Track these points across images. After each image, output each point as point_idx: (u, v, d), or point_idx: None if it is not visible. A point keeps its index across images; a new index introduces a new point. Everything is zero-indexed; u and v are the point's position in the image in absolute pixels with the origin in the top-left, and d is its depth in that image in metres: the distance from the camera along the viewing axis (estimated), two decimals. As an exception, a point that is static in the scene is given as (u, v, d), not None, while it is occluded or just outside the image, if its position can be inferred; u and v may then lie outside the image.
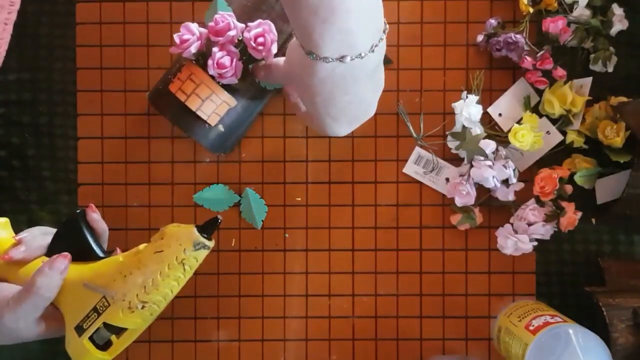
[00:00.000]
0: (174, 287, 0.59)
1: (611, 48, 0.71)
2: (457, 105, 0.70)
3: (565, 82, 0.71)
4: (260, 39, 0.64)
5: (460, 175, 0.72)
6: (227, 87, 0.66)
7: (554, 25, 0.69)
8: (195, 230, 0.59)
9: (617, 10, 0.71)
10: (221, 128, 0.68)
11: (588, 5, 0.70)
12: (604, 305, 0.67)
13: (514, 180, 0.71)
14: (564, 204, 0.70)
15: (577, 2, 0.70)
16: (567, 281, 0.74)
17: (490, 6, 0.74)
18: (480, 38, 0.72)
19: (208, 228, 0.60)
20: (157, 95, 0.68)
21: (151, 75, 0.74)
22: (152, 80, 0.73)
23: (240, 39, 0.65)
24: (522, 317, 0.68)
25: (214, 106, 0.66)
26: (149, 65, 0.74)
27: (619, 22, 0.71)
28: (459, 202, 0.72)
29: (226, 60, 0.64)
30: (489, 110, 0.73)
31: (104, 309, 0.59)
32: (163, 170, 0.74)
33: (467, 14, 0.74)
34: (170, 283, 0.58)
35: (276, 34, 0.65)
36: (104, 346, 0.61)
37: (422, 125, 0.74)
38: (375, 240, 0.74)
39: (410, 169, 0.74)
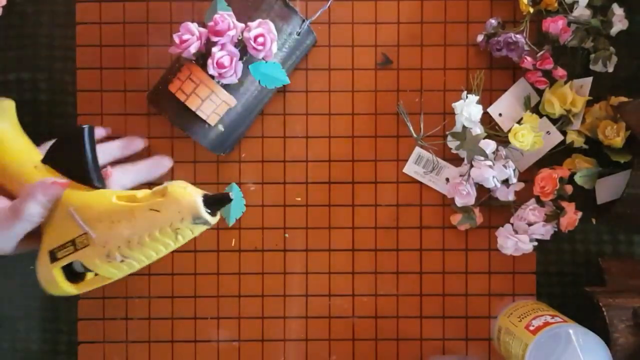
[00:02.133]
0: (159, 251, 0.54)
1: (611, 48, 0.71)
2: (457, 105, 0.70)
3: (565, 82, 0.71)
4: (261, 39, 0.64)
5: (460, 175, 0.72)
6: (227, 87, 0.66)
7: (554, 25, 0.69)
8: (199, 201, 0.54)
9: (617, 10, 0.71)
10: (221, 128, 0.68)
11: (588, 5, 0.70)
12: (604, 305, 0.67)
13: (514, 180, 0.71)
14: (564, 204, 0.70)
15: (577, 2, 0.70)
16: (567, 281, 0.74)
17: (490, 6, 0.74)
18: (480, 38, 0.72)
19: (215, 204, 0.54)
20: (156, 95, 0.68)
21: (151, 75, 0.74)
22: (152, 80, 0.73)
23: (240, 38, 0.65)
24: (522, 317, 0.68)
25: (213, 106, 0.66)
26: (149, 65, 0.74)
27: (619, 22, 0.71)
28: (459, 202, 0.72)
29: (226, 60, 0.64)
30: (489, 110, 0.73)
31: (82, 246, 0.55)
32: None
33: (467, 14, 0.74)
34: (157, 246, 0.54)
35: (276, 33, 0.65)
36: (74, 278, 0.57)
37: (422, 125, 0.74)
38: (375, 240, 0.74)
39: (410, 169, 0.74)
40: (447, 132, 0.72)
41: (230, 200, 0.54)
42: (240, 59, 0.65)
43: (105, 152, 0.68)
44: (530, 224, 0.70)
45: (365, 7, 0.73)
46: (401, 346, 0.74)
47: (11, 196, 0.58)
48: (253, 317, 0.74)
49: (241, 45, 0.65)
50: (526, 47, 0.70)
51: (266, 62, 0.66)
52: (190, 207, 0.53)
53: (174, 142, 0.74)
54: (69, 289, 0.57)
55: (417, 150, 0.74)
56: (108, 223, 0.54)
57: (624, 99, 0.70)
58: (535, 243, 0.71)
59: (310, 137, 0.74)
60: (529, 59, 0.70)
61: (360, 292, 0.74)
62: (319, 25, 0.72)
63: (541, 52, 0.70)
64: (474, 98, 0.70)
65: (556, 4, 0.70)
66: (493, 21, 0.72)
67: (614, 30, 0.71)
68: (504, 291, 0.74)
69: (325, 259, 0.74)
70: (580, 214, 0.70)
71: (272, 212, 0.74)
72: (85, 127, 0.57)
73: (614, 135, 0.69)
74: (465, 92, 0.71)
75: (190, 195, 0.54)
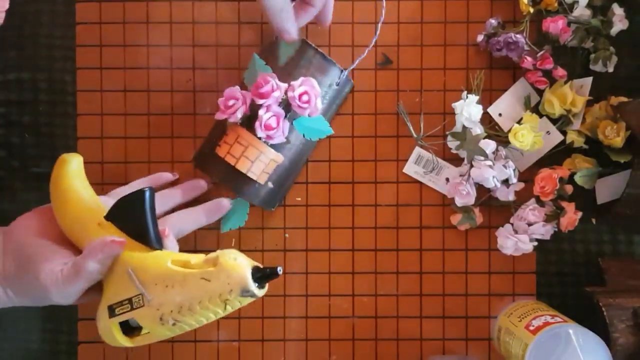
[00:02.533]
0: (209, 317, 0.57)
1: (611, 48, 0.71)
2: (457, 105, 0.70)
3: (565, 82, 0.71)
4: (305, 97, 0.64)
5: (460, 175, 0.72)
6: (273, 144, 0.66)
7: (554, 25, 0.69)
8: (248, 274, 0.55)
9: (617, 10, 0.71)
10: (270, 185, 0.69)
11: (588, 5, 0.70)
12: (604, 305, 0.67)
13: (514, 180, 0.71)
14: (564, 204, 0.70)
15: (578, 2, 0.70)
16: (567, 281, 0.74)
17: (491, 6, 0.74)
18: (480, 38, 0.72)
19: (264, 277, 0.56)
20: (204, 159, 0.69)
21: (151, 75, 0.74)
22: (152, 80, 0.73)
23: (284, 97, 0.65)
24: (522, 317, 0.68)
25: (262, 165, 0.66)
26: (148, 65, 0.74)
27: (619, 22, 0.71)
28: (459, 202, 0.72)
29: (273, 122, 0.64)
30: (489, 110, 0.73)
31: (138, 306, 0.57)
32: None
33: (467, 14, 0.74)
34: (206, 314, 0.56)
35: (319, 89, 0.65)
36: (131, 330, 0.60)
37: (422, 125, 0.74)
38: (375, 240, 0.74)
39: (410, 169, 0.74)
40: (447, 132, 0.72)
41: (277, 273, 0.56)
42: (285, 116, 0.65)
43: (169, 198, 0.69)
44: (530, 224, 0.70)
45: (365, 7, 0.73)
46: (401, 346, 0.74)
47: (77, 249, 0.61)
48: (253, 317, 0.74)
49: (285, 103, 0.65)
50: (526, 47, 0.70)
51: (310, 117, 0.66)
52: (240, 281, 0.55)
53: (173, 142, 0.74)
54: (125, 342, 0.60)
55: (417, 150, 0.74)
56: (162, 287, 0.57)
57: (624, 99, 0.70)
58: (535, 243, 0.71)
59: (310, 137, 0.74)
60: (529, 59, 0.70)
61: (360, 292, 0.74)
62: (319, 25, 0.72)
63: (541, 52, 0.70)
64: (474, 98, 0.70)
65: (556, 4, 0.70)
66: (493, 21, 0.72)
67: (614, 30, 0.71)
68: (504, 291, 0.74)
69: (325, 259, 0.74)
70: (580, 214, 0.70)
71: (272, 212, 0.74)
72: (147, 189, 0.60)
73: (614, 135, 0.69)
74: (465, 92, 0.71)
75: (240, 267, 0.55)
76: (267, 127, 0.64)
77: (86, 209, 0.62)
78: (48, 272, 0.58)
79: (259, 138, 0.64)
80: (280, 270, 0.55)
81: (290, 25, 0.63)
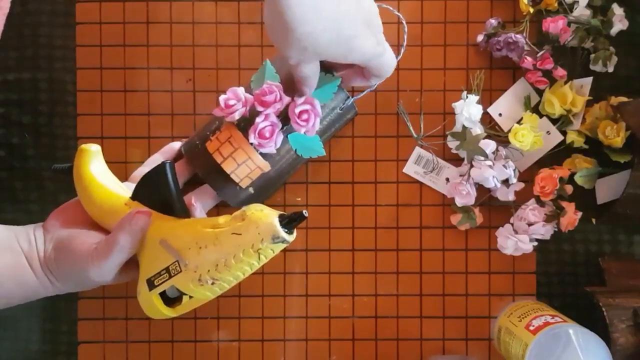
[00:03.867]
0: (245, 271, 0.58)
1: (611, 48, 0.71)
2: (457, 105, 0.70)
3: (565, 82, 0.71)
4: (305, 116, 0.64)
5: (460, 175, 0.72)
6: (263, 154, 0.66)
7: (554, 25, 0.69)
8: (277, 221, 0.57)
9: (617, 10, 0.71)
10: (251, 190, 0.68)
11: (588, 5, 0.70)
12: (604, 305, 0.67)
13: (514, 180, 0.71)
14: (564, 204, 0.70)
15: (578, 2, 0.70)
16: (567, 281, 0.74)
17: (491, 6, 0.74)
18: (480, 38, 0.72)
19: (291, 222, 0.57)
20: (193, 151, 0.68)
21: (151, 75, 0.74)
22: (152, 81, 0.73)
23: (283, 110, 0.65)
24: (522, 317, 0.68)
25: (248, 170, 0.66)
26: (148, 65, 0.74)
27: (619, 22, 0.71)
28: (459, 202, 0.72)
29: (268, 132, 0.63)
30: (489, 110, 0.73)
31: (176, 273, 0.59)
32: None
33: (467, 14, 0.74)
34: (242, 267, 0.58)
35: (320, 111, 0.64)
36: (172, 301, 0.61)
37: (422, 125, 0.74)
38: (375, 240, 0.74)
39: (410, 169, 0.74)
40: (447, 132, 0.72)
41: (304, 216, 0.57)
42: (281, 128, 0.65)
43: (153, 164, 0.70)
44: (530, 224, 0.70)
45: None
46: (401, 346, 0.74)
47: (108, 233, 0.63)
48: (253, 317, 0.74)
49: (283, 115, 0.65)
50: (526, 47, 0.70)
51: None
52: (269, 228, 0.57)
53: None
54: (168, 312, 0.61)
55: (417, 150, 0.74)
56: (196, 249, 0.58)
57: (624, 99, 0.70)
58: (535, 243, 0.71)
59: (310, 137, 0.74)
60: (529, 59, 0.70)
61: (360, 292, 0.74)
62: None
63: (541, 52, 0.70)
64: (474, 98, 0.70)
65: (556, 4, 0.70)
66: (493, 21, 0.72)
67: (614, 30, 0.71)
68: (504, 291, 0.74)
69: (325, 259, 0.74)
70: (580, 214, 0.70)
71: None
72: (167, 163, 0.62)
73: (614, 135, 0.69)
74: (465, 92, 0.71)
75: (268, 216, 0.57)
76: (261, 136, 0.63)
77: (111, 193, 0.64)
78: (84, 251, 0.60)
79: (251, 143, 0.64)
80: (306, 213, 0.57)
81: (310, 91, 0.63)
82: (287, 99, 0.64)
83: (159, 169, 0.62)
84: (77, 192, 0.65)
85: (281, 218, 0.57)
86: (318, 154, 0.67)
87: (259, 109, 0.63)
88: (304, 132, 0.64)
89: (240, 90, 0.64)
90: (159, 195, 0.62)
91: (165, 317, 0.62)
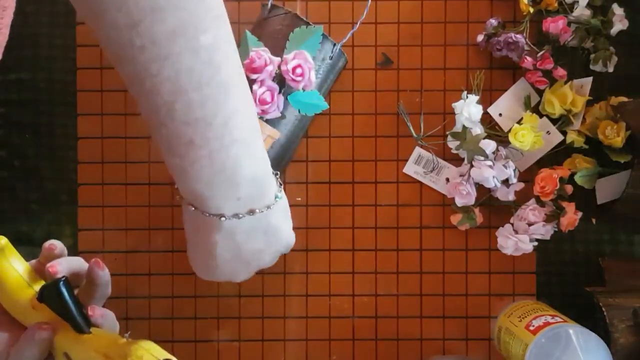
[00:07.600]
0: None
1: (611, 48, 0.71)
2: (457, 105, 0.70)
3: (565, 82, 0.71)
4: (299, 70, 0.64)
5: (461, 175, 0.72)
6: (269, 121, 0.66)
7: (554, 25, 0.69)
8: None
9: (618, 10, 0.71)
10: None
11: (588, 5, 0.70)
12: (604, 305, 0.67)
13: (514, 180, 0.71)
14: (564, 204, 0.70)
15: (578, 2, 0.70)
16: (567, 281, 0.74)
17: (491, 6, 0.74)
18: (480, 38, 0.72)
19: None
20: None
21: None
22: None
23: (277, 72, 0.65)
24: (522, 317, 0.68)
25: None
26: (149, 65, 0.74)
27: (619, 22, 0.71)
28: (459, 202, 0.72)
29: (267, 96, 0.64)
30: (489, 110, 0.73)
31: None
32: (163, 170, 0.74)
33: (467, 14, 0.74)
34: None
35: (312, 62, 0.65)
36: None
37: (422, 125, 0.74)
38: (375, 240, 0.74)
39: (411, 169, 0.74)
40: (447, 132, 0.72)
41: None
42: (279, 91, 0.65)
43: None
44: (530, 224, 0.70)
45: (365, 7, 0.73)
46: (401, 346, 0.74)
47: (15, 327, 0.61)
48: (253, 317, 0.74)
49: (278, 78, 0.65)
50: (526, 47, 0.70)
51: (304, 91, 0.66)
52: None
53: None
54: None
55: (417, 150, 0.74)
56: None
57: (624, 99, 0.70)
58: (535, 243, 0.71)
59: (311, 137, 0.74)
60: (529, 59, 0.70)
61: (360, 292, 0.74)
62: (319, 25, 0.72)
63: (541, 52, 0.70)
64: (474, 98, 0.70)
65: (556, 4, 0.70)
66: (493, 21, 0.72)
67: (614, 30, 0.71)
68: (504, 291, 0.74)
69: (325, 259, 0.74)
70: (580, 214, 0.70)
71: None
72: (61, 280, 0.59)
73: (614, 135, 0.69)
74: (465, 92, 0.71)
75: None
76: (262, 102, 0.63)
77: (20, 292, 0.61)
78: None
79: None
80: None
81: None
82: (277, 59, 0.64)
83: (50, 288, 0.59)
84: None
85: None
86: (322, 107, 0.68)
87: (253, 76, 0.63)
88: (302, 88, 0.64)
89: None
90: (58, 311, 0.60)
91: None
